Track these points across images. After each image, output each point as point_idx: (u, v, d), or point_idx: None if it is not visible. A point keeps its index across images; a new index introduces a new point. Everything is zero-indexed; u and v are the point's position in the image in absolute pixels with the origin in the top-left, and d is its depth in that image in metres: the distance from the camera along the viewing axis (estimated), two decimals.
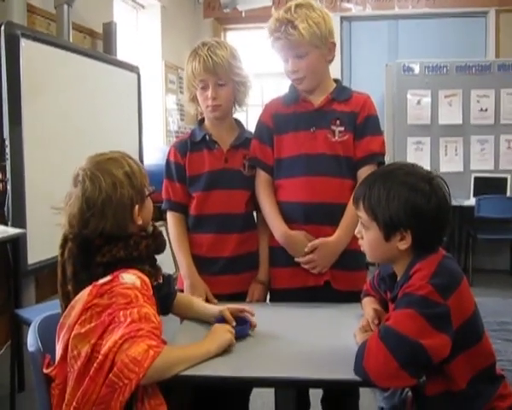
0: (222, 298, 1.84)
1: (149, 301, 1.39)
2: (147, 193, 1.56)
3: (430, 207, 1.38)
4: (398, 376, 1.26)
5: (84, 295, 1.37)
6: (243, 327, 1.57)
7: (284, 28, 1.83)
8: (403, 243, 1.41)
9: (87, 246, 1.46)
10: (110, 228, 1.45)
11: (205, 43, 1.93)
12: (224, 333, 1.46)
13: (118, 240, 1.46)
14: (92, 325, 1.33)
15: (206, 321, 1.64)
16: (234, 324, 1.56)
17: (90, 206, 1.44)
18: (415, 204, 1.38)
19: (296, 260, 1.90)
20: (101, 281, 1.38)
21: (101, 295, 1.36)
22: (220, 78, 1.90)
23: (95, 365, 1.28)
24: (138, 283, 1.38)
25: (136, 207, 1.50)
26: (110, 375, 1.26)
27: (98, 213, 1.44)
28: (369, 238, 1.47)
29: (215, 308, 1.67)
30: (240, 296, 1.78)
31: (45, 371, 1.41)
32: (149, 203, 1.58)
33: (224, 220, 1.95)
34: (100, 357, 1.28)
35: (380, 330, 1.33)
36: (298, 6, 1.85)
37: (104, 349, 1.28)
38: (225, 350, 1.42)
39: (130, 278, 1.39)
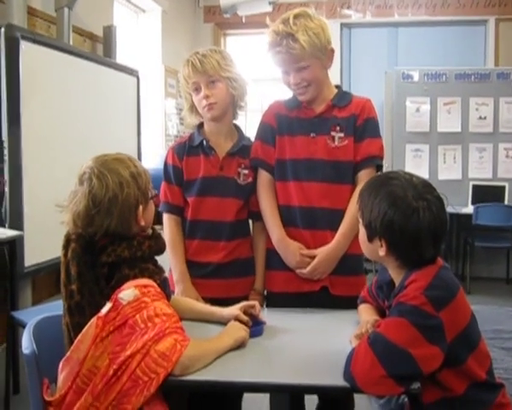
0: (209, 302, 1.83)
1: (157, 296, 1.39)
2: (150, 195, 1.58)
3: (407, 226, 1.38)
4: (383, 383, 1.26)
5: (91, 328, 1.35)
6: (258, 328, 1.60)
7: (285, 42, 1.81)
8: (381, 250, 1.45)
9: (91, 246, 1.46)
10: (115, 227, 1.47)
11: (197, 51, 1.95)
12: (239, 330, 1.52)
13: (121, 240, 1.47)
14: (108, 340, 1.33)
15: (217, 322, 1.66)
16: (250, 324, 1.60)
17: (96, 203, 1.45)
18: (390, 219, 1.39)
19: (298, 272, 1.90)
20: (104, 311, 1.36)
21: (109, 322, 1.34)
22: (210, 75, 1.91)
23: (115, 366, 1.29)
24: (138, 292, 1.37)
25: (141, 207, 1.52)
26: (136, 370, 1.27)
27: (104, 210, 1.45)
28: (360, 232, 1.54)
29: (228, 311, 1.67)
30: (227, 301, 1.75)
31: (47, 398, 1.39)
32: (152, 206, 1.60)
33: (212, 227, 1.95)
34: (121, 358, 1.28)
35: (369, 337, 1.33)
36: (296, 17, 1.83)
37: (131, 350, 1.28)
38: (220, 356, 1.42)
39: (128, 294, 1.37)
